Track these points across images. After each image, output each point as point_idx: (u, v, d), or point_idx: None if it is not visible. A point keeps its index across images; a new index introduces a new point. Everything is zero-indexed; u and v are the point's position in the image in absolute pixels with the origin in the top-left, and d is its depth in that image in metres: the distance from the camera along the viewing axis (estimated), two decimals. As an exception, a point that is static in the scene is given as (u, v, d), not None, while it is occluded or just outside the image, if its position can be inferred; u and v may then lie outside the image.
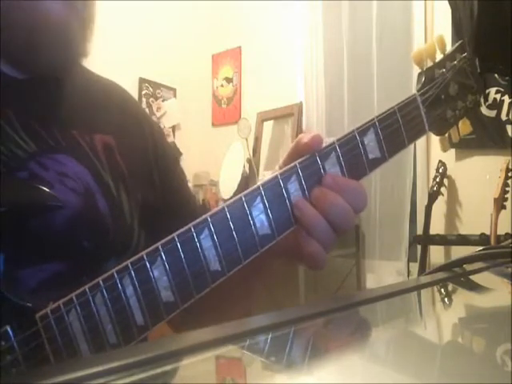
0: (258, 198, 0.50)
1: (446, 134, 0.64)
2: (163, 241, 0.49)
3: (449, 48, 0.63)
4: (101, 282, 0.48)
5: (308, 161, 0.53)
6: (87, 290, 0.48)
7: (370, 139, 0.55)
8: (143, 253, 0.48)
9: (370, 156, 0.55)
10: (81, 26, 0.59)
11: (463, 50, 0.63)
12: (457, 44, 0.64)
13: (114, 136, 0.65)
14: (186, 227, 0.49)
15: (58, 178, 0.58)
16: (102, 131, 0.64)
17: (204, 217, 0.49)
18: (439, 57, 0.62)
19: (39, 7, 0.55)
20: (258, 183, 0.51)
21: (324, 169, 0.53)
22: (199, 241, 0.48)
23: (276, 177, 0.52)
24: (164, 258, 0.48)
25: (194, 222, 0.49)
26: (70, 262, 0.57)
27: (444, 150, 0.66)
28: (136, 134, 0.70)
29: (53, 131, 0.60)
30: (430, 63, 0.61)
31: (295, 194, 0.52)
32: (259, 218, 0.50)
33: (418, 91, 0.59)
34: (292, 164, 0.52)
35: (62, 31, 0.57)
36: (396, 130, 0.57)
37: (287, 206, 0.51)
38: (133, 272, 0.48)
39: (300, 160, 0.53)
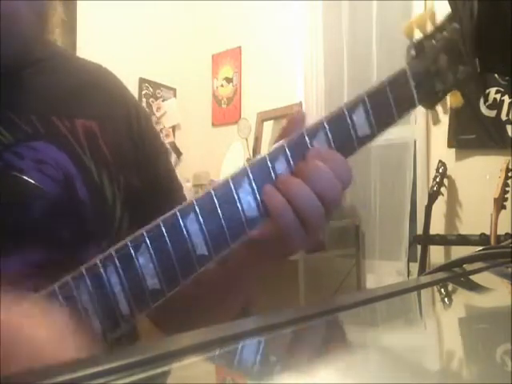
0: (246, 179, 0.49)
1: (438, 107, 0.63)
2: (147, 226, 0.47)
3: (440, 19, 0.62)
4: (84, 271, 0.47)
5: (296, 139, 0.51)
6: (70, 279, 0.47)
7: (358, 115, 0.53)
8: (127, 239, 0.47)
9: (359, 133, 0.53)
10: (34, 12, 0.57)
11: (454, 21, 0.62)
12: (448, 14, 0.62)
13: (98, 121, 0.64)
14: (171, 212, 0.48)
15: (34, 166, 0.57)
16: (84, 116, 0.63)
17: (190, 200, 0.48)
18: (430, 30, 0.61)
19: None
20: (246, 164, 0.49)
21: (312, 146, 0.51)
22: (185, 225, 0.47)
23: (264, 157, 0.50)
24: (149, 244, 0.47)
25: (179, 207, 0.48)
26: (49, 250, 0.56)
27: (435, 123, 0.65)
28: (121, 119, 0.69)
29: (30, 119, 0.59)
30: (420, 35, 0.60)
31: (283, 174, 0.50)
32: (246, 199, 0.49)
33: (408, 64, 0.58)
34: (279, 143, 0.51)
35: (12, 20, 0.55)
36: (386, 105, 0.55)
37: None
38: (117, 260, 0.47)
39: (288, 139, 0.51)
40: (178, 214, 0.47)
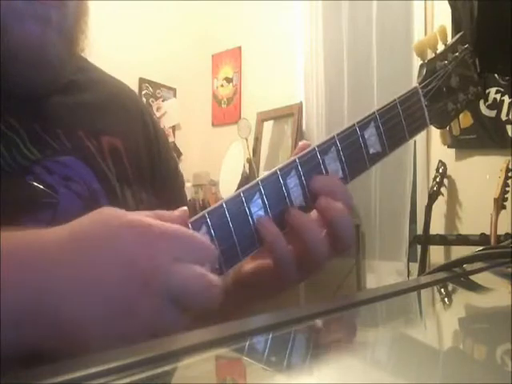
0: (257, 194, 0.49)
1: (447, 127, 0.64)
2: None
3: (450, 39, 0.62)
4: None
5: (307, 156, 0.52)
6: None
7: (370, 133, 0.54)
8: None
9: (371, 150, 0.54)
10: (64, 40, 0.57)
11: (465, 41, 0.63)
12: (458, 35, 0.63)
13: (121, 138, 0.65)
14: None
15: (62, 182, 0.57)
16: (109, 133, 0.63)
17: (202, 213, 0.48)
18: (441, 48, 0.61)
19: (15, 34, 0.53)
20: (257, 179, 0.50)
21: (324, 163, 0.52)
22: None
23: (275, 172, 0.50)
24: None
25: (191, 219, 0.48)
26: None
27: (445, 143, 0.66)
28: (142, 137, 0.69)
29: (57, 134, 0.59)
30: (431, 54, 0.61)
31: (294, 190, 0.51)
32: (258, 214, 0.49)
33: (420, 84, 0.58)
34: (291, 159, 0.51)
35: (44, 51, 0.55)
36: (397, 123, 0.56)
37: (286, 202, 0.51)
38: None
39: (299, 155, 0.52)
40: (190, 226, 0.47)
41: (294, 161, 0.51)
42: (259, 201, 0.49)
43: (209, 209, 0.48)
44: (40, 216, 0.55)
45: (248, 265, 0.57)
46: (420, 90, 0.58)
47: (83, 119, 0.63)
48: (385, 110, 0.55)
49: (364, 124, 0.54)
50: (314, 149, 0.52)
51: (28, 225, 0.54)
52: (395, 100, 0.56)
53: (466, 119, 0.58)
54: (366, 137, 0.54)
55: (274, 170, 0.51)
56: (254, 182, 0.50)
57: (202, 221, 0.48)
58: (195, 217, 0.48)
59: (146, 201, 0.65)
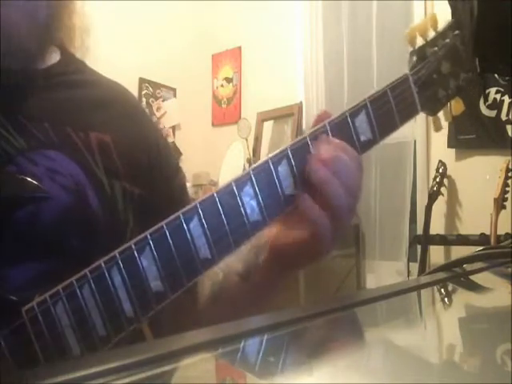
0: (249, 183, 0.49)
1: (439, 114, 0.64)
2: (152, 229, 0.47)
3: (441, 26, 0.62)
4: (88, 273, 0.47)
5: (299, 144, 0.52)
6: (74, 281, 0.47)
7: (361, 121, 0.54)
8: (131, 242, 0.47)
9: (362, 138, 0.55)
10: (36, 25, 0.57)
11: (456, 28, 0.62)
12: (449, 21, 0.63)
13: (112, 134, 0.64)
14: (174, 215, 0.48)
15: (47, 174, 0.57)
16: (98, 129, 0.64)
17: (193, 203, 0.48)
18: (432, 35, 0.62)
19: None
20: (249, 168, 0.50)
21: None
22: (188, 228, 0.47)
23: (266, 161, 0.50)
24: (153, 246, 0.47)
25: (183, 210, 0.47)
26: (58, 260, 0.56)
27: (437, 130, 0.66)
28: (138, 137, 0.69)
29: (44, 127, 0.59)
30: (422, 42, 0.61)
31: (286, 178, 0.51)
32: (250, 203, 0.49)
33: (410, 71, 0.59)
34: (283, 147, 0.51)
35: (17, 35, 0.55)
36: (388, 111, 0.56)
37: (278, 191, 0.50)
38: (120, 262, 0.47)
39: (291, 143, 0.52)
40: (182, 216, 0.47)
41: (286, 149, 0.51)
42: (251, 190, 0.49)
43: (200, 199, 0.48)
44: (26, 206, 0.55)
45: (284, 235, 0.56)
46: (410, 77, 0.58)
47: (72, 115, 0.63)
48: (375, 98, 0.55)
49: (355, 111, 0.54)
50: (305, 137, 0.52)
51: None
52: (385, 87, 0.56)
53: (457, 106, 0.58)
54: (356, 124, 0.54)
55: (265, 158, 0.51)
56: (246, 171, 0.50)
57: (194, 211, 0.47)
58: (187, 207, 0.48)
59: (137, 196, 0.65)
